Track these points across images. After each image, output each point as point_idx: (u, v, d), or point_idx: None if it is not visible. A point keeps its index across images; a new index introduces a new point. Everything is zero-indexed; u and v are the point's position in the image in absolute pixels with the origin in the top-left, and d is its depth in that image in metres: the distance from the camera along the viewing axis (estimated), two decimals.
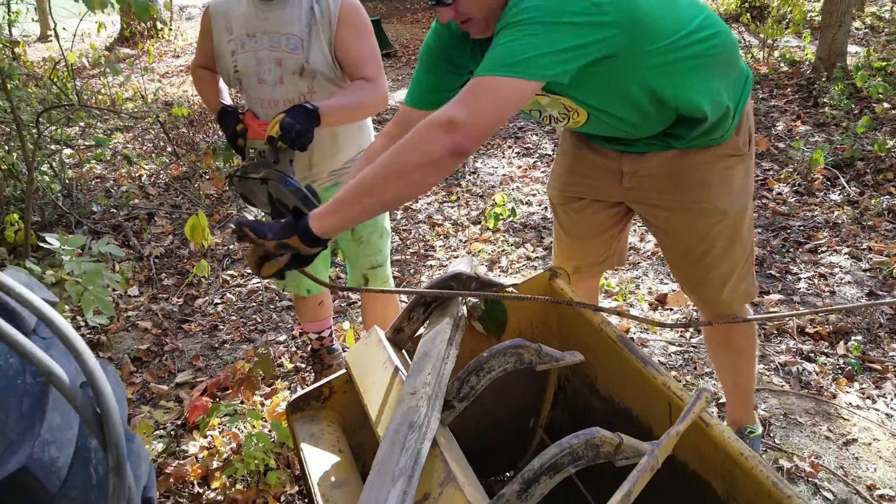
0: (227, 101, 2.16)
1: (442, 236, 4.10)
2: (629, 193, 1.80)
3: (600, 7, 1.28)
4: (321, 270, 2.39)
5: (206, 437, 2.39)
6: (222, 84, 2.23)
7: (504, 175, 5.02)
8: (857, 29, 7.97)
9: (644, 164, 1.71)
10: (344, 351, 2.70)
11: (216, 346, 3.14)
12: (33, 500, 0.91)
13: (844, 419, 2.35)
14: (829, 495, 2.05)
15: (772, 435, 2.31)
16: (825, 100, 5.63)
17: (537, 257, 3.74)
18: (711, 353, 2.10)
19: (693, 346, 2.82)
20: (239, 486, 2.14)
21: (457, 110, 1.24)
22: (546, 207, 4.35)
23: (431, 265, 3.76)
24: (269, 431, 2.29)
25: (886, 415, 2.36)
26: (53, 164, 4.65)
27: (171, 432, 2.48)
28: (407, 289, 1.69)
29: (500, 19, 1.34)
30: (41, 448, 0.92)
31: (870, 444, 2.24)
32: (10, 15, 4.87)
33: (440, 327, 1.52)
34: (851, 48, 6.79)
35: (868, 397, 2.45)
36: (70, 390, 0.83)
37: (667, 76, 1.46)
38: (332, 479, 1.48)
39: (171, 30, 11.79)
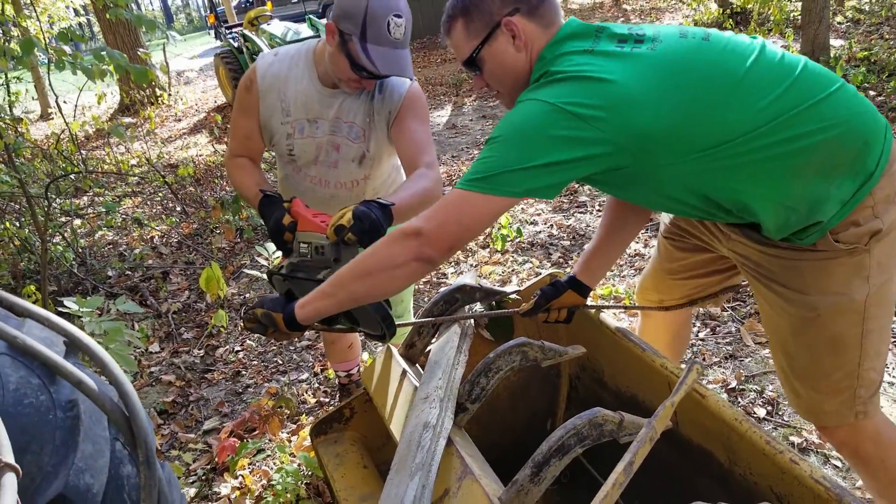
0: (267, 186, 1.95)
1: (453, 263, 4.18)
2: (733, 254, 1.57)
3: (587, 121, 1.21)
4: None
5: (236, 477, 2.45)
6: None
7: None
8: (839, 23, 8.12)
9: (735, 235, 1.52)
10: None
11: (240, 391, 3.21)
12: None
13: None
14: (838, 463, 2.10)
15: (780, 413, 2.36)
16: None
17: (543, 273, 3.80)
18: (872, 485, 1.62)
19: (700, 339, 2.86)
20: None
21: (426, 221, 1.29)
22: (552, 225, 4.43)
23: (441, 291, 3.83)
24: (298, 465, 2.34)
25: (889, 383, 2.40)
26: (65, 234, 4.79)
27: (203, 476, 2.54)
28: (437, 317, 1.73)
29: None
30: (76, 476, 0.98)
31: None
32: (9, 96, 5.05)
33: (448, 337, 1.59)
34: (835, 42, 6.92)
35: None
36: (99, 396, 0.91)
37: (714, 183, 1.32)
38: (360, 493, 1.54)
39: (170, 95, 12.10)
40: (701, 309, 3.07)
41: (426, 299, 3.78)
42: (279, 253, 2.97)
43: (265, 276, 3.11)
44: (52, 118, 11.80)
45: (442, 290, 1.74)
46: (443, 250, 1.29)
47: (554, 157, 1.22)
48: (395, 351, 1.69)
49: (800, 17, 7.00)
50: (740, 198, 1.32)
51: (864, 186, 1.31)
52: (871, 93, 5.38)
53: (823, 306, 1.39)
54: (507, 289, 1.84)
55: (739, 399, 2.47)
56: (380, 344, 2.99)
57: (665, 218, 1.80)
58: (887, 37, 7.14)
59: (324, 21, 10.28)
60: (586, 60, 1.27)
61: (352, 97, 1.90)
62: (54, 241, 4.70)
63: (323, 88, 1.90)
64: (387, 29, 1.70)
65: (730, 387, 2.51)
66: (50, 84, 4.75)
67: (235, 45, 10.30)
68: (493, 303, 1.80)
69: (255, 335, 3.68)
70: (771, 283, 1.47)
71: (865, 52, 6.32)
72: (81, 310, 2.33)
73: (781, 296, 1.45)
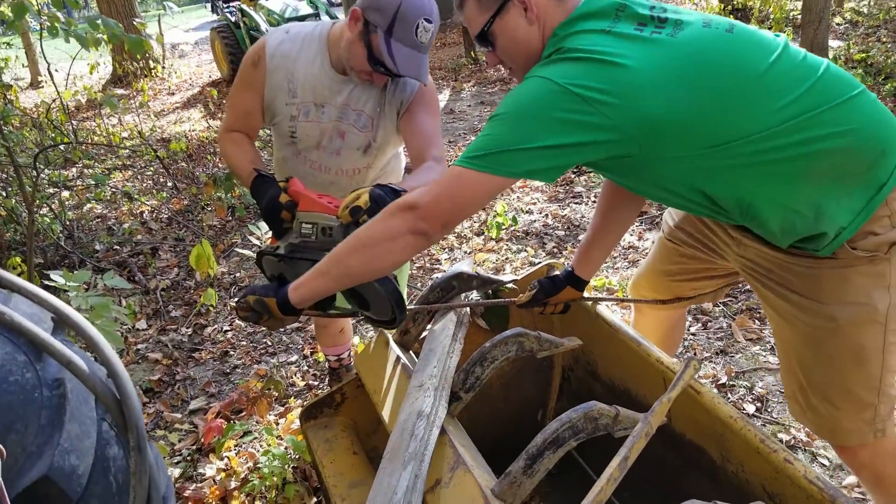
0: (261, 165, 1.87)
1: (447, 249, 4.16)
2: (742, 261, 1.52)
3: (594, 106, 1.16)
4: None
5: (222, 458, 2.43)
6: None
7: None
8: (837, 24, 8.14)
9: (747, 240, 1.48)
10: None
11: (228, 371, 3.18)
12: None
13: None
14: (826, 462, 2.12)
15: (769, 410, 2.37)
16: None
17: (539, 262, 3.79)
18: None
19: (691, 334, 2.86)
20: (258, 503, 2.17)
21: (422, 195, 1.26)
22: (547, 215, 4.42)
23: (438, 278, 3.82)
24: (286, 448, 2.32)
25: None
26: (53, 205, 4.72)
27: (188, 457, 2.52)
28: (433, 304, 1.70)
29: None
30: (61, 457, 0.95)
31: None
32: None
33: (444, 324, 1.58)
34: (833, 43, 6.93)
35: None
36: (90, 377, 0.88)
37: (717, 181, 1.28)
38: (349, 479, 1.52)
39: (163, 68, 11.95)
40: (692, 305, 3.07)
41: (420, 285, 3.76)
42: (271, 233, 2.95)
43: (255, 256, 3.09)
44: (43, 86, 11.62)
45: (439, 276, 1.72)
46: (437, 225, 1.26)
47: (556, 140, 1.18)
48: (389, 337, 1.67)
49: (800, 16, 7.00)
50: (745, 198, 1.28)
51: (877, 196, 1.27)
52: None
53: (843, 316, 1.33)
54: (504, 277, 1.82)
55: (729, 395, 2.48)
56: (372, 329, 2.97)
57: (670, 220, 1.76)
58: (884, 40, 7.17)
59: (324, 0, 10.17)
60: (602, 41, 1.21)
61: (363, 85, 1.85)
62: (41, 212, 4.63)
63: (334, 74, 1.84)
64: (415, 31, 1.65)
65: (720, 382, 2.51)
66: (42, 51, 4.66)
67: (233, 19, 10.17)
68: (490, 291, 1.79)
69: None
70: (785, 292, 1.41)
71: (863, 55, 6.35)
72: (68, 283, 2.29)
73: (797, 305, 1.40)
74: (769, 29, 8.05)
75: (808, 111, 1.22)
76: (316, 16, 9.85)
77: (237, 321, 3.59)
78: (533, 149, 1.18)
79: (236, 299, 1.26)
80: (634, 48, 1.19)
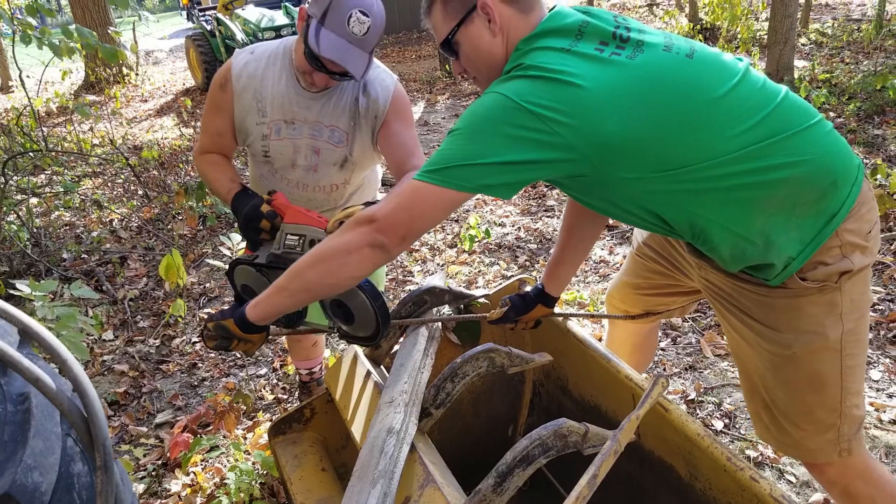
0: (240, 182, 1.88)
1: (419, 262, 4.15)
2: (704, 283, 1.54)
3: (548, 124, 1.17)
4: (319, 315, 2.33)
5: (188, 474, 2.38)
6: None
7: (478, 199, 5.11)
8: (803, 45, 8.37)
9: (707, 266, 1.49)
10: None
11: (195, 384, 3.13)
12: None
13: None
14: (792, 479, 2.15)
15: (737, 426, 2.40)
16: None
17: (512, 275, 3.81)
18: None
19: (661, 349, 2.89)
20: None
21: (380, 208, 1.26)
22: (519, 228, 4.44)
23: (410, 290, 3.81)
24: (253, 464, 2.29)
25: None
26: (20, 213, 4.63)
27: (153, 472, 2.47)
28: (404, 319, 1.69)
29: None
30: (24, 474, 0.93)
31: None
32: None
33: (415, 339, 1.57)
34: (798, 63, 7.12)
35: None
36: (57, 394, 0.86)
37: (669, 204, 1.29)
38: (317, 496, 1.50)
39: (137, 74, 11.81)
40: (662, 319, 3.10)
41: (392, 297, 3.75)
42: (243, 244, 2.92)
43: (226, 266, 3.05)
44: (13, 91, 11.42)
45: (411, 290, 1.71)
46: (395, 238, 1.25)
47: (510, 157, 1.18)
48: (359, 352, 1.66)
49: (766, 36, 7.18)
50: (697, 222, 1.29)
51: (827, 227, 1.28)
52: (832, 114, 5.55)
53: (797, 344, 1.35)
54: (476, 292, 1.83)
55: (698, 411, 2.50)
56: (345, 343, 2.95)
57: (639, 236, 1.78)
58: (847, 60, 7.38)
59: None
60: (560, 60, 1.21)
61: (334, 100, 1.84)
62: (8, 219, 4.53)
63: (301, 90, 1.83)
64: (347, 20, 1.64)
65: (689, 398, 2.54)
66: (14, 56, 4.58)
67: (208, 28, 10.11)
68: (462, 306, 1.79)
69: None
70: (744, 317, 1.43)
71: (827, 75, 6.53)
72: (34, 293, 2.24)
73: (755, 330, 1.41)
74: (736, 49, 8.24)
75: (763, 139, 1.22)
76: (292, 26, 9.83)
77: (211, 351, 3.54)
78: (487, 164, 1.19)
79: (204, 316, 1.24)
80: (592, 69, 1.19)
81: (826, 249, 1.29)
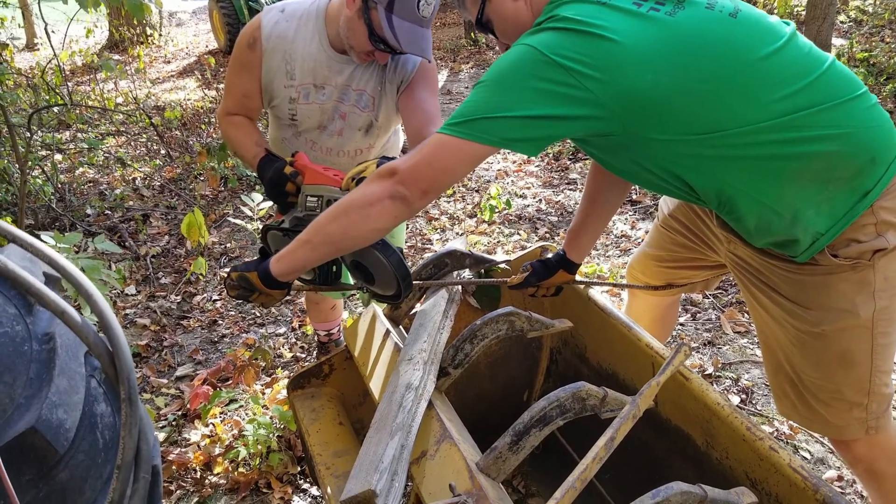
0: (266, 145, 1.86)
1: (439, 230, 4.15)
2: (731, 257, 1.51)
3: (577, 78, 1.13)
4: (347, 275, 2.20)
5: (207, 425, 2.43)
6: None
7: (499, 170, 5.08)
8: (841, 22, 8.14)
9: (735, 240, 1.45)
10: None
11: (216, 340, 3.18)
12: (42, 461, 0.94)
13: None
14: (807, 454, 2.15)
15: (754, 402, 2.40)
16: None
17: (531, 246, 3.80)
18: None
19: (680, 324, 2.88)
20: (242, 470, 2.18)
21: (403, 161, 1.25)
22: (541, 200, 4.42)
23: (431, 255, 3.82)
24: (271, 417, 2.33)
25: None
26: (45, 168, 4.68)
27: (173, 422, 2.52)
28: (425, 281, 1.68)
29: None
30: (49, 410, 0.95)
31: None
32: None
33: (435, 301, 1.58)
34: (836, 41, 6.93)
35: None
36: (82, 328, 0.87)
37: (698, 169, 1.25)
38: (333, 448, 1.53)
39: (160, 35, 11.79)
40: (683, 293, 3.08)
41: (410, 265, 3.75)
42: (264, 205, 2.93)
43: (248, 226, 3.06)
44: (38, 48, 11.46)
45: (431, 253, 1.71)
46: (417, 191, 1.23)
47: (537, 111, 1.14)
48: (379, 311, 1.67)
49: (804, 11, 6.99)
50: (725, 190, 1.25)
51: (860, 203, 1.23)
52: None
53: (828, 322, 1.32)
54: (497, 257, 1.82)
55: (715, 386, 2.50)
56: (363, 305, 2.97)
57: (665, 208, 1.75)
58: (888, 40, 7.16)
59: None
60: (595, 12, 1.16)
61: (362, 64, 1.80)
62: (34, 173, 4.58)
63: (333, 53, 1.78)
64: (416, 4, 1.60)
65: (706, 373, 2.54)
66: (39, 12, 4.58)
67: None
68: (482, 271, 1.79)
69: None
70: (772, 294, 1.40)
71: (865, 54, 6.35)
72: (59, 245, 2.27)
73: (783, 307, 1.38)
74: None
75: (803, 108, 1.17)
76: None
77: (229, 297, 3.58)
78: (512, 118, 1.16)
79: (224, 275, 1.25)
80: (628, 23, 1.15)
81: (859, 226, 1.25)
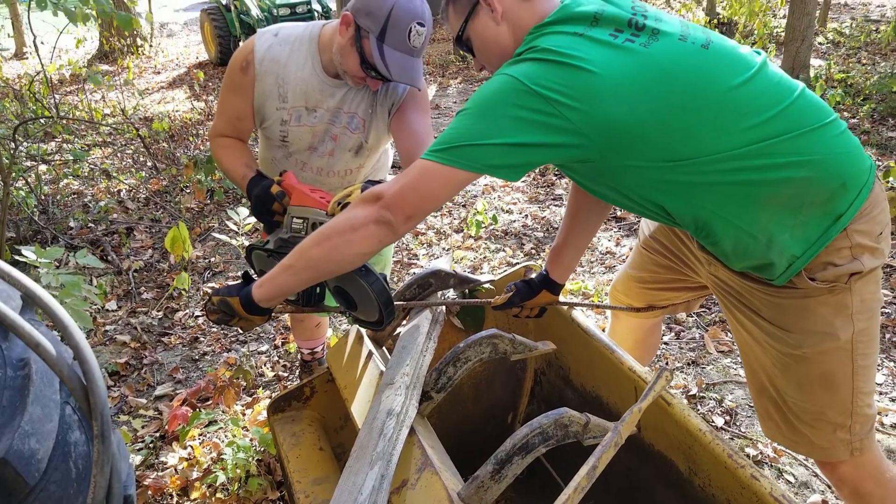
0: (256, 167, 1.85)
1: (425, 245, 4.14)
2: (713, 279, 1.52)
3: (556, 108, 1.16)
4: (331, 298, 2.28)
5: (185, 447, 2.39)
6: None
7: (486, 185, 5.09)
8: (820, 43, 8.28)
9: (716, 262, 1.47)
10: None
11: (196, 358, 3.13)
12: (11, 493, 0.91)
13: None
14: (791, 478, 2.13)
15: (738, 424, 2.39)
16: None
17: (517, 262, 3.79)
18: None
19: (664, 343, 2.88)
20: (219, 495, 2.14)
21: (388, 186, 1.26)
22: (527, 215, 4.42)
23: (415, 273, 3.80)
24: (251, 440, 2.29)
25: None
26: (29, 179, 4.63)
27: (150, 444, 2.47)
28: (409, 301, 1.67)
29: None
30: (21, 440, 0.92)
31: None
32: None
33: (419, 322, 1.56)
34: (815, 61, 7.05)
35: None
36: (57, 360, 0.85)
37: (673, 194, 1.28)
38: (313, 475, 1.50)
39: (151, 46, 11.77)
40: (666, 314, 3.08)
41: (397, 280, 3.74)
42: (249, 219, 2.91)
43: (232, 241, 3.03)
44: (27, 58, 11.39)
45: (416, 273, 1.70)
46: (402, 217, 1.24)
47: (517, 139, 1.18)
48: (363, 332, 1.65)
49: (783, 33, 7.10)
50: (701, 214, 1.28)
51: (833, 227, 1.26)
52: (846, 114, 5.51)
53: (808, 344, 1.34)
54: (482, 277, 1.81)
55: (699, 406, 2.49)
56: (347, 323, 2.94)
57: (646, 229, 1.76)
58: (864, 61, 7.30)
59: None
60: (573, 44, 1.19)
61: (355, 87, 1.82)
62: (17, 185, 4.53)
63: (326, 77, 1.80)
64: (408, 35, 1.62)
65: (690, 393, 2.53)
66: (28, 22, 4.56)
67: (224, 2, 10.05)
68: (467, 291, 1.77)
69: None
70: (754, 316, 1.42)
71: (843, 74, 6.46)
72: (39, 260, 2.24)
73: (764, 330, 1.40)
74: (753, 45, 8.15)
75: (773, 137, 1.21)
76: (307, 3, 9.75)
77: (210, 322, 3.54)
78: (494, 145, 1.18)
79: (207, 291, 1.24)
80: (604, 54, 1.18)
81: (835, 250, 1.28)
